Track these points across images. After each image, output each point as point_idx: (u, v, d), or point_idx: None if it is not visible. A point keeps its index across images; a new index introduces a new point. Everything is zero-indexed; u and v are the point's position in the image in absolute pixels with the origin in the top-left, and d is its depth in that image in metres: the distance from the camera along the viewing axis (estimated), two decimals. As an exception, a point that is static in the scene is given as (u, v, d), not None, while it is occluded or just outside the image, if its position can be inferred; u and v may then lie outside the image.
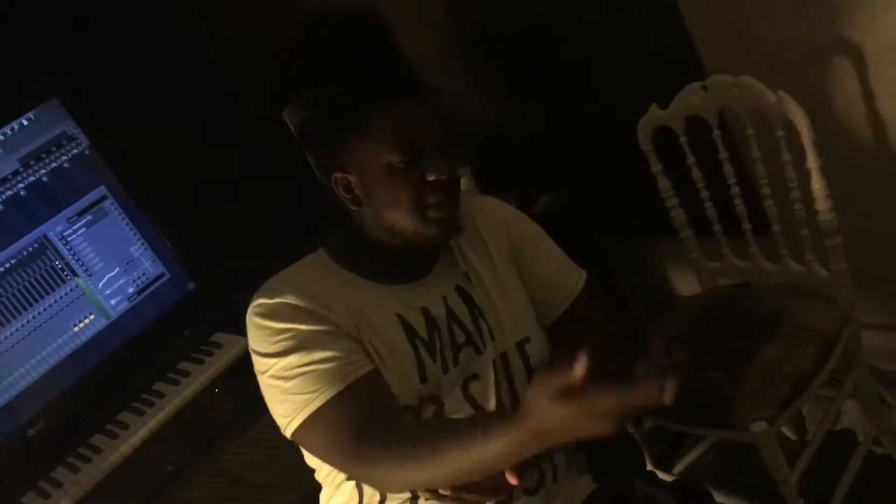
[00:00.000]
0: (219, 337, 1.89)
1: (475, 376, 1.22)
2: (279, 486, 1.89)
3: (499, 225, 1.31)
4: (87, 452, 1.67)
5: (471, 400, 1.21)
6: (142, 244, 1.91)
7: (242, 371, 1.77)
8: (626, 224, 2.29)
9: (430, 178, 1.12)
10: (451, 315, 1.24)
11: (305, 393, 1.10)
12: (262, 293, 1.18)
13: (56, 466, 1.66)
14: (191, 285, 1.97)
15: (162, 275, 1.93)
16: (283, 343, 1.12)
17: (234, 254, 1.97)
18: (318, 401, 1.09)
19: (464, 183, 2.02)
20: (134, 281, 1.89)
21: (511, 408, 1.23)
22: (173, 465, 1.53)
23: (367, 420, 1.08)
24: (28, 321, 1.73)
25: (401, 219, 1.14)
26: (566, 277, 1.33)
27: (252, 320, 1.17)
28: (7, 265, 1.72)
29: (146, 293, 1.90)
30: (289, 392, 1.11)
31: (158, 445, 1.64)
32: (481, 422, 1.04)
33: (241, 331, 1.84)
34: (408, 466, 1.04)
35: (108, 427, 1.72)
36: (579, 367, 0.87)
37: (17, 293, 1.72)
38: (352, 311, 1.17)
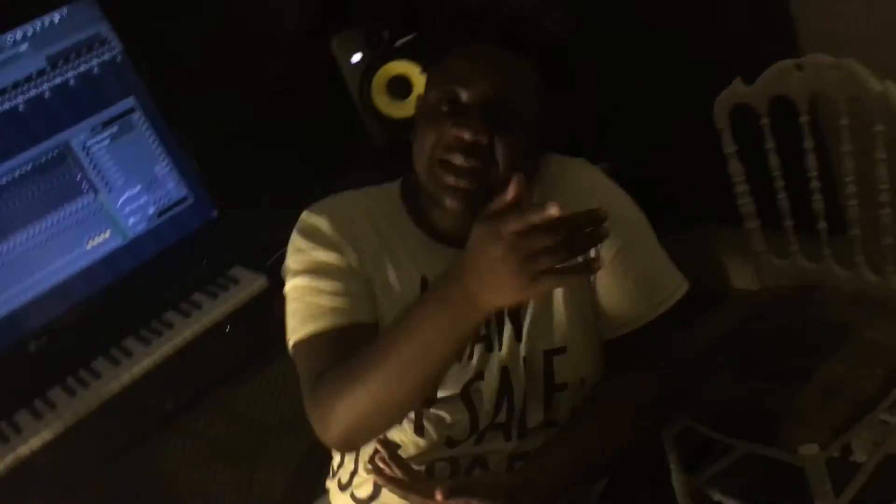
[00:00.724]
0: (237, 272, 1.79)
1: (480, 376, 1.10)
2: (283, 432, 1.81)
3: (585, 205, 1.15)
4: (87, 376, 1.59)
5: (467, 401, 1.10)
6: (167, 164, 1.79)
7: (257, 311, 1.67)
8: (686, 204, 2.12)
9: (453, 132, 1.01)
10: None
11: (297, 319, 1.09)
12: (314, 206, 1.17)
13: (53, 386, 1.58)
14: (214, 213, 1.86)
15: (185, 198, 1.82)
16: (299, 262, 1.12)
17: (263, 187, 1.87)
18: (300, 333, 1.08)
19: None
20: (155, 202, 1.78)
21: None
22: (173, 403, 1.43)
23: (325, 370, 1.03)
24: (41, 230, 1.64)
25: (420, 168, 1.07)
26: (642, 300, 1.13)
27: (295, 229, 1.16)
28: (25, 170, 1.62)
29: (166, 216, 1.80)
30: (290, 313, 1.11)
31: (161, 379, 1.55)
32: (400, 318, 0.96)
33: (261, 267, 1.77)
34: (354, 381, 0.97)
35: (112, 352, 1.64)
36: (511, 189, 0.81)
37: (32, 200, 1.63)
38: (377, 257, 1.11)
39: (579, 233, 0.79)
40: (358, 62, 1.90)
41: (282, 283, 1.14)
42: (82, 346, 1.65)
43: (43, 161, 1.64)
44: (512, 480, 1.01)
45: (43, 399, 1.56)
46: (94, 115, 1.69)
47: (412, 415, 1.10)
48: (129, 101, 1.73)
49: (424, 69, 1.16)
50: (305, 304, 1.09)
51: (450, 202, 1.04)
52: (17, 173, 1.61)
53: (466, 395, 1.10)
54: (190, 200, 1.83)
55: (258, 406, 1.82)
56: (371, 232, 1.13)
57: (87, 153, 1.69)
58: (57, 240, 1.66)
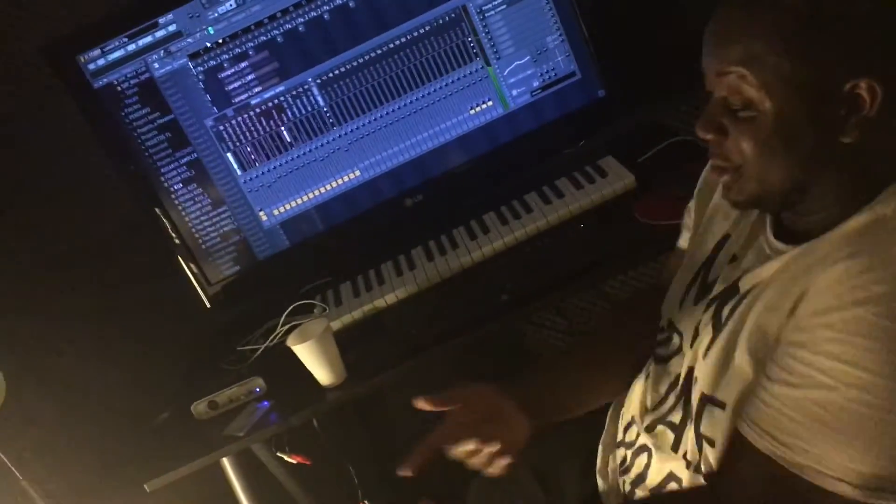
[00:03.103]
0: (608, 163, 1.66)
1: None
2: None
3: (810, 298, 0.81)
4: (446, 243, 1.65)
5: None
6: (560, 35, 1.68)
7: (618, 212, 1.55)
8: None
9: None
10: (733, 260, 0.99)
11: None
12: None
13: (416, 245, 1.68)
14: (601, 93, 1.73)
15: (572, 74, 1.71)
16: None
17: (655, 70, 1.67)
18: None
19: None
20: (542, 74, 1.70)
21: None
22: (508, 295, 1.42)
23: None
24: (429, 93, 1.68)
25: None
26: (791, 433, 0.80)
27: None
28: (424, 30, 1.64)
29: (551, 90, 1.71)
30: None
31: (504, 265, 1.55)
32: None
33: (633, 163, 1.62)
34: None
35: (472, 224, 1.67)
36: None
37: (424, 62, 1.66)
38: None
39: None
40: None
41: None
42: (449, 212, 1.72)
43: (440, 23, 1.64)
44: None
45: (407, 256, 1.67)
46: (494, -21, 1.63)
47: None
48: (530, -35, 1.63)
49: None
50: None
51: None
52: (415, 33, 1.64)
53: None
54: (577, 77, 1.71)
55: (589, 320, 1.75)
56: None
57: (482, 17, 1.65)
58: (442, 103, 1.69)
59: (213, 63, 1.62)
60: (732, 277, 0.94)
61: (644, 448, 1.07)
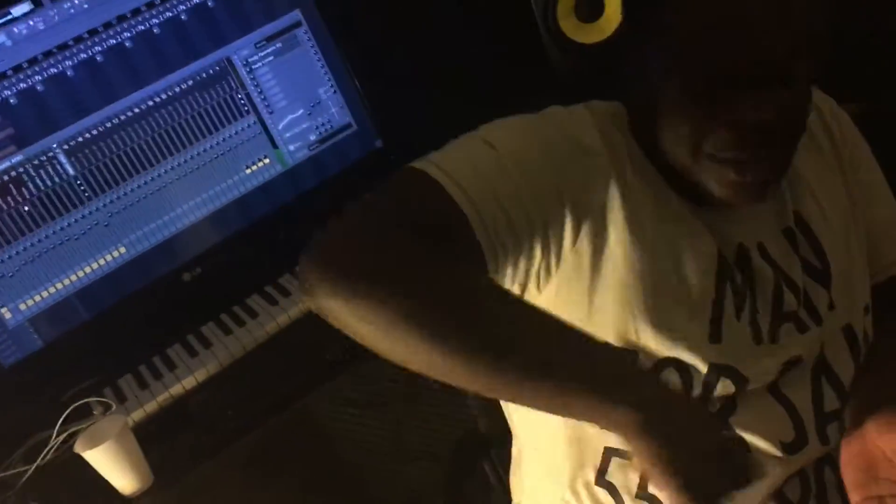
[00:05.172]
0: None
1: (798, 361, 0.84)
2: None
3: (834, 126, 0.92)
4: (242, 314, 1.48)
5: (779, 397, 0.84)
6: (332, 86, 1.63)
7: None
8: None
9: (727, 128, 0.75)
10: (777, 269, 0.85)
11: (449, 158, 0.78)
12: (583, 105, 0.85)
13: (207, 321, 1.49)
14: (378, 143, 1.70)
15: (348, 125, 1.66)
16: (511, 142, 0.78)
17: (432, 118, 1.68)
18: (436, 173, 0.75)
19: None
20: (318, 127, 1.63)
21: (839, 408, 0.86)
22: (330, 355, 1.30)
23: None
24: (200, 153, 1.52)
25: (676, 154, 0.79)
26: None
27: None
28: (186, 85, 1.49)
29: (329, 143, 1.65)
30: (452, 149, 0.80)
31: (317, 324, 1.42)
32: (578, 348, 0.70)
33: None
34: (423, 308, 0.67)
35: (268, 290, 1.52)
36: None
37: (192, 119, 1.51)
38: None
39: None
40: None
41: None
42: (237, 281, 1.55)
43: (204, 77, 1.51)
44: None
45: (197, 335, 1.47)
46: (258, 29, 1.54)
47: None
48: (295, 15, 1.57)
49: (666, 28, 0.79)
50: (475, 165, 0.77)
51: (731, 199, 0.79)
52: (177, 89, 1.49)
53: (778, 392, 0.84)
54: (353, 128, 1.67)
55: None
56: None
57: (250, 70, 1.55)
58: (216, 163, 1.54)
59: (-75, 132, 1.32)
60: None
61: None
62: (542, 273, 0.78)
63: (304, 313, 1.43)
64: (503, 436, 1.02)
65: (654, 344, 0.79)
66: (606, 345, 0.78)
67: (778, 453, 0.83)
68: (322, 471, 1.77)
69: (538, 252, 0.77)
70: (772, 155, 0.77)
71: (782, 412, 0.83)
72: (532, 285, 0.79)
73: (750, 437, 0.82)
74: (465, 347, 0.67)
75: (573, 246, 0.77)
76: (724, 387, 0.80)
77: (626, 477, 0.85)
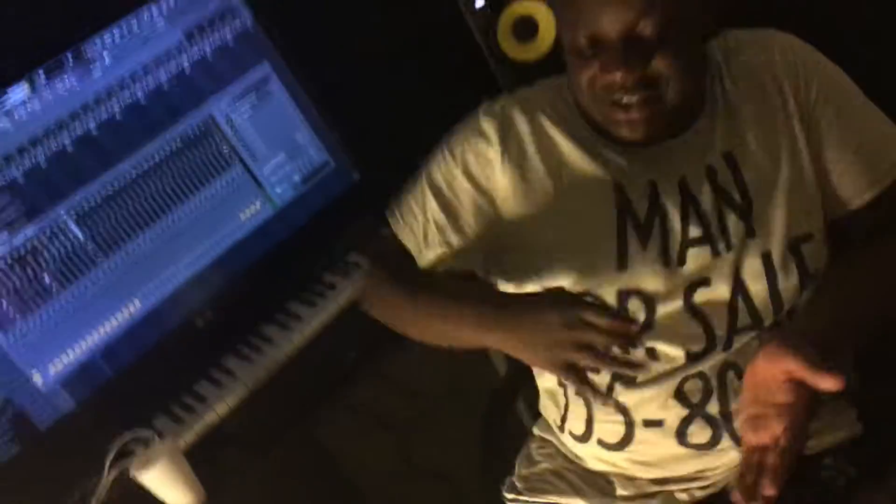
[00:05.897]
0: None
1: (705, 282, 1.00)
2: (451, 399, 1.76)
3: (785, 67, 1.04)
4: (258, 342, 1.57)
5: (695, 312, 0.99)
6: (306, 129, 1.77)
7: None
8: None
9: (605, 77, 0.99)
10: (691, 199, 1.01)
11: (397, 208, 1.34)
12: (512, 97, 1.19)
13: (226, 355, 1.58)
14: (356, 175, 1.83)
15: (326, 163, 1.80)
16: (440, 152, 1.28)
17: (402, 145, 1.82)
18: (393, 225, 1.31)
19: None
20: (299, 168, 1.76)
21: (753, 325, 1.02)
22: (351, 357, 1.40)
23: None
24: (196, 206, 1.64)
25: (583, 102, 1.06)
26: (878, 155, 1.03)
27: None
28: (175, 146, 1.62)
29: (312, 182, 1.78)
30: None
31: (333, 335, 1.52)
32: (461, 292, 1.18)
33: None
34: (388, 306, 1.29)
35: (279, 317, 1.62)
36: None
37: (184, 176, 1.63)
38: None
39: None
40: (482, 6, 1.84)
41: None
42: (249, 315, 1.64)
43: (190, 136, 1.64)
44: (787, 335, 0.92)
45: (219, 368, 1.56)
46: (233, 85, 1.68)
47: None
48: (265, 68, 1.72)
49: (550, 4, 1.20)
50: (410, 199, 1.33)
51: (628, 133, 1.00)
52: (167, 150, 1.61)
53: (691, 305, 1.00)
54: (332, 164, 1.80)
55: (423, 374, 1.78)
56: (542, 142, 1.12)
57: (231, 124, 1.68)
58: (211, 214, 1.66)
59: (-57, 217, 1.42)
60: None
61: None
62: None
63: (317, 329, 1.54)
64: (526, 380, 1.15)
65: (568, 283, 1.02)
66: (482, 288, 1.18)
67: (682, 361, 1.00)
68: (325, 490, 1.84)
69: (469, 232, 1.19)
70: (651, 97, 0.96)
71: (696, 327, 0.99)
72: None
73: (661, 347, 1.00)
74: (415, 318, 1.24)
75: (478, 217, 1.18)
76: (634, 306, 0.99)
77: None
